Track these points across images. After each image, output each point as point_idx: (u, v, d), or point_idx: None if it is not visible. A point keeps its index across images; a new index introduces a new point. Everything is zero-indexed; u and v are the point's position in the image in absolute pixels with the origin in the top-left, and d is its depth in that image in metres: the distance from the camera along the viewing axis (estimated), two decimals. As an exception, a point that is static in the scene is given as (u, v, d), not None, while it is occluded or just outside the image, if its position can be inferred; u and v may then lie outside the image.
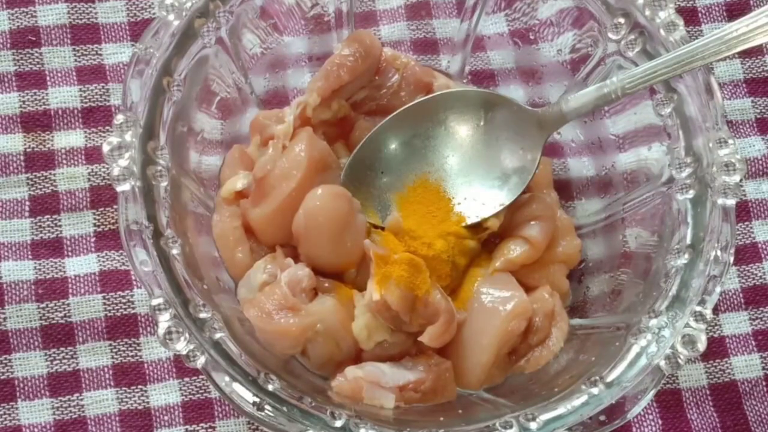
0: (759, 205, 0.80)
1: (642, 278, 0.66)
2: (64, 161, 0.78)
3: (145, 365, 0.74)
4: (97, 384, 0.73)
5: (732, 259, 0.61)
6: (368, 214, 0.70)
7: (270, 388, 0.57)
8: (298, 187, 0.67)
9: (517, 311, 0.66)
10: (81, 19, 0.81)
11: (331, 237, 0.66)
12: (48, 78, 0.79)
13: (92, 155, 0.78)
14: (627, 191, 0.71)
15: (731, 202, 0.61)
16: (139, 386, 0.73)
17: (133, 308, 0.75)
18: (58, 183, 0.77)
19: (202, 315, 0.58)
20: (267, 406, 0.56)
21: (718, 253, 0.61)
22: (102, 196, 0.77)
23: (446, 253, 0.68)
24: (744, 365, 0.77)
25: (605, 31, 0.67)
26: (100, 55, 0.80)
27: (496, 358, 0.66)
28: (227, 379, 0.57)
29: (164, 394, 0.73)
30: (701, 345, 0.59)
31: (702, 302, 0.60)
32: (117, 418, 0.73)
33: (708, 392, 0.76)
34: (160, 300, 0.57)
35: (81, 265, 0.75)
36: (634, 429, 0.75)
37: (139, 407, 0.73)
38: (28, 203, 0.76)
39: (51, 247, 0.76)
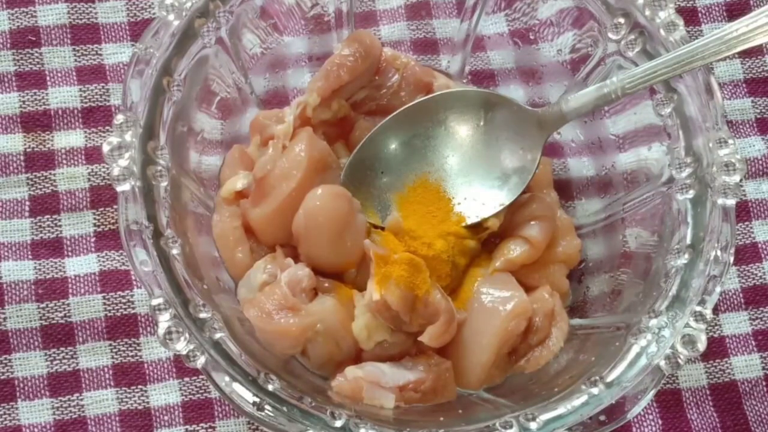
0: (759, 205, 0.80)
1: (642, 278, 0.66)
2: (64, 161, 0.78)
3: (145, 365, 0.74)
4: (97, 384, 0.73)
5: (732, 259, 0.61)
6: (368, 214, 0.70)
7: (270, 388, 0.57)
8: (298, 187, 0.67)
9: (517, 311, 0.66)
10: (81, 19, 0.81)
11: (331, 237, 0.66)
12: (48, 78, 0.79)
13: (92, 155, 0.78)
14: (627, 191, 0.71)
15: (731, 202, 0.61)
16: (139, 386, 0.73)
17: (133, 308, 0.75)
18: (58, 183, 0.77)
19: (202, 315, 0.58)
20: (267, 406, 0.56)
21: (718, 253, 0.61)
22: (102, 196, 0.77)
23: (446, 253, 0.68)
24: (744, 365, 0.77)
25: (605, 31, 0.67)
26: (100, 55, 0.80)
27: (496, 358, 0.66)
28: (227, 379, 0.57)
29: (164, 394, 0.73)
30: (701, 345, 0.59)
31: (702, 302, 0.60)
32: (117, 418, 0.73)
33: (708, 392, 0.76)
34: (160, 300, 0.57)
35: (81, 265, 0.75)
36: (634, 429, 0.75)
37: (139, 407, 0.73)
38: (28, 203, 0.76)
39: (51, 247, 0.76)
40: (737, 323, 0.78)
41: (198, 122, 0.69)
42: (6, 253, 0.75)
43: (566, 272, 0.72)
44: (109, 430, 0.72)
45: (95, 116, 0.79)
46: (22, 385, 0.73)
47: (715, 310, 0.78)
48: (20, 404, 0.72)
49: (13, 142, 0.78)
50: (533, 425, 0.57)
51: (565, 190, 0.77)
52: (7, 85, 0.79)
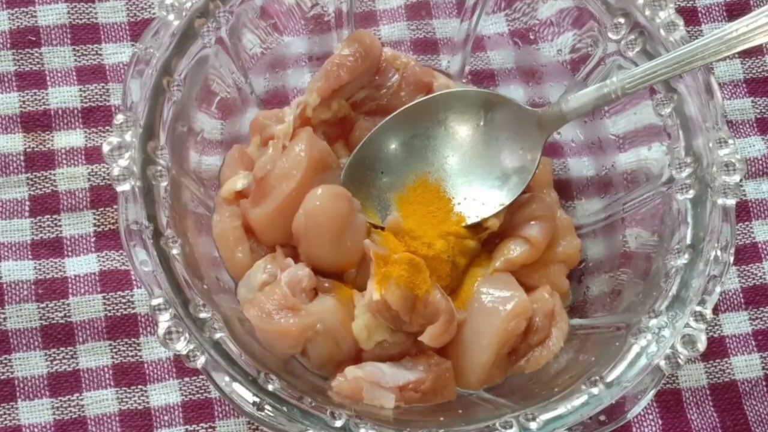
0: (759, 205, 0.80)
1: (642, 278, 0.66)
2: (64, 161, 0.78)
3: (145, 365, 0.74)
4: (97, 384, 0.73)
5: (732, 259, 0.61)
6: (368, 214, 0.70)
7: (270, 388, 0.57)
8: (298, 187, 0.67)
9: (517, 311, 0.66)
10: (81, 19, 0.81)
11: (331, 237, 0.66)
12: (48, 78, 0.79)
13: (92, 155, 0.78)
14: (627, 191, 0.71)
15: (731, 202, 0.61)
16: (139, 386, 0.73)
17: (133, 308, 0.75)
18: (58, 183, 0.77)
19: (202, 315, 0.58)
20: (267, 406, 0.56)
21: (718, 253, 0.61)
22: (102, 196, 0.77)
23: (446, 253, 0.68)
24: (744, 365, 0.77)
25: (605, 31, 0.67)
26: (100, 55, 0.80)
27: (496, 358, 0.66)
28: (227, 379, 0.57)
29: (164, 394, 0.73)
30: (701, 345, 0.59)
31: (702, 302, 0.60)
32: (117, 418, 0.73)
33: (708, 392, 0.76)
34: (160, 300, 0.57)
35: (81, 265, 0.75)
36: (634, 429, 0.75)
37: (139, 407, 0.73)
38: (28, 203, 0.76)
39: (51, 247, 0.76)
40: (737, 323, 0.78)
41: (198, 122, 0.69)
42: (6, 253, 0.75)
43: (566, 272, 0.72)
44: (109, 430, 0.72)
45: (95, 116, 0.79)
46: (22, 385, 0.73)
47: (715, 310, 0.77)
48: (20, 404, 0.72)
49: (13, 142, 0.78)
50: (533, 425, 0.57)
51: (565, 190, 0.77)
52: (7, 85, 0.79)
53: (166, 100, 0.63)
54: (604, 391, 0.58)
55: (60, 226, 0.76)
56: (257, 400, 0.56)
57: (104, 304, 0.74)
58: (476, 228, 0.70)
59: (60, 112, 0.79)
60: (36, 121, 0.78)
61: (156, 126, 0.62)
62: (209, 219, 0.70)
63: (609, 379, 0.59)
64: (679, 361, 0.58)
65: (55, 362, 0.73)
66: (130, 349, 0.74)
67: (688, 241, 0.62)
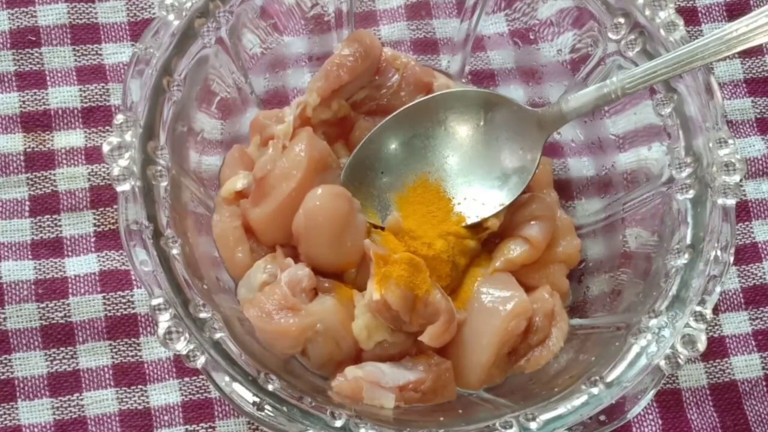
0: (759, 205, 0.80)
1: (642, 278, 0.66)
2: (64, 161, 0.78)
3: (145, 365, 0.74)
4: (97, 384, 0.73)
5: (732, 259, 0.61)
6: (368, 214, 0.70)
7: (270, 388, 0.57)
8: (298, 187, 0.67)
9: (517, 311, 0.66)
10: (81, 19, 0.81)
11: (331, 237, 0.66)
12: (48, 78, 0.79)
13: (92, 155, 0.78)
14: (627, 191, 0.71)
15: (731, 202, 0.61)
16: (139, 386, 0.73)
17: (133, 308, 0.75)
18: (58, 183, 0.77)
19: (202, 315, 0.58)
20: (267, 406, 0.56)
21: (718, 253, 0.61)
22: (102, 196, 0.77)
23: (446, 253, 0.68)
24: (744, 365, 0.77)
25: (605, 31, 0.67)
26: (100, 55, 0.80)
27: (496, 358, 0.66)
28: (227, 379, 0.57)
29: (164, 394, 0.73)
30: (701, 345, 0.59)
31: (702, 302, 0.60)
32: (117, 418, 0.73)
33: (708, 392, 0.76)
34: (160, 300, 0.57)
35: (81, 265, 0.75)
36: (634, 429, 0.75)
37: (139, 407, 0.73)
38: (28, 203, 0.76)
39: (51, 247, 0.76)
40: (737, 323, 0.78)
41: (198, 122, 0.69)
42: (6, 253, 0.75)
43: (566, 272, 0.72)
44: (109, 430, 0.72)
45: (95, 116, 0.79)
46: (22, 385, 0.73)
47: (715, 310, 0.77)
48: (20, 404, 0.72)
49: (13, 142, 0.78)
50: (533, 425, 0.57)
51: (565, 190, 0.77)
52: (7, 85, 0.79)
53: (166, 100, 0.63)
54: (604, 391, 0.58)
55: (60, 226, 0.76)
56: (257, 400, 0.56)
57: (104, 304, 0.74)
58: (476, 228, 0.70)
59: (60, 112, 0.79)
60: (36, 121, 0.78)
61: (156, 126, 0.62)
62: (209, 219, 0.70)
63: (609, 379, 0.59)
64: (679, 361, 0.58)
65: (55, 362, 0.73)
66: (130, 349, 0.74)
67: (688, 241, 0.62)
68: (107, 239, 0.76)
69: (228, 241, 0.69)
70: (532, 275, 0.70)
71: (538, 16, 0.74)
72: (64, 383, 0.73)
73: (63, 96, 0.79)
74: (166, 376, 0.73)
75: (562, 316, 0.69)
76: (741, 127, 0.82)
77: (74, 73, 0.80)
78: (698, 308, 0.60)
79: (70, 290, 0.75)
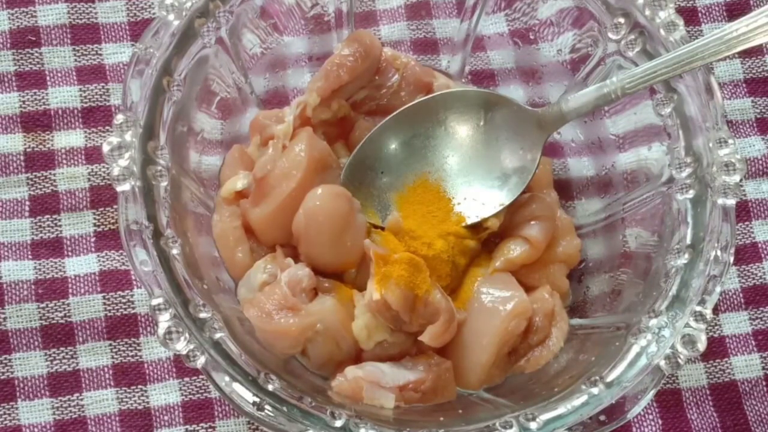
0: (759, 205, 0.80)
1: (642, 278, 0.66)
2: (64, 161, 0.78)
3: (145, 365, 0.74)
4: (97, 384, 0.73)
5: (732, 259, 0.61)
6: (368, 214, 0.70)
7: (270, 388, 0.57)
8: (298, 187, 0.67)
9: (517, 311, 0.66)
10: (81, 19, 0.81)
11: (331, 237, 0.66)
12: (48, 78, 0.79)
13: (92, 155, 0.78)
14: (627, 191, 0.71)
15: (731, 202, 0.61)
16: (139, 386, 0.73)
17: (133, 308, 0.75)
18: (58, 183, 0.77)
19: (202, 315, 0.58)
20: (267, 406, 0.56)
21: (718, 253, 0.61)
22: (102, 196, 0.77)
23: (446, 253, 0.68)
24: (744, 365, 0.77)
25: (605, 31, 0.67)
26: (100, 55, 0.80)
27: (496, 358, 0.66)
28: (227, 379, 0.57)
29: (164, 394, 0.73)
30: (701, 345, 0.59)
31: (702, 302, 0.60)
32: (117, 418, 0.73)
33: (708, 392, 0.76)
34: (160, 300, 0.57)
35: (81, 265, 0.75)
36: (634, 429, 0.75)
37: (139, 407, 0.73)
38: (28, 203, 0.76)
39: (51, 247, 0.76)
40: (737, 323, 0.78)
41: (198, 122, 0.69)
42: (6, 253, 0.75)
43: (566, 272, 0.72)
44: (109, 430, 0.72)
45: (95, 116, 0.79)
46: (22, 385, 0.73)
47: (715, 310, 0.77)
48: (20, 404, 0.72)
49: (13, 142, 0.78)
50: (533, 425, 0.57)
51: (565, 190, 0.77)
52: (7, 85, 0.79)
53: (166, 100, 0.63)
54: (604, 391, 0.58)
55: (60, 226, 0.76)
56: (257, 400, 0.56)
57: (104, 304, 0.74)
58: (476, 228, 0.70)
59: (60, 112, 0.79)
60: (36, 121, 0.78)
61: (156, 126, 0.62)
62: (209, 219, 0.70)
63: (609, 379, 0.59)
64: (679, 361, 0.58)
65: (55, 362, 0.73)
66: (130, 349, 0.74)
67: (688, 241, 0.62)
68: (107, 239, 0.76)
69: (228, 241, 0.69)
70: (532, 275, 0.70)
71: (538, 16, 0.74)
72: (64, 383, 0.73)
73: (63, 96, 0.79)
74: (166, 376, 0.73)
75: (562, 316, 0.69)
76: (741, 127, 0.82)
77: (74, 73, 0.80)
78: (698, 308, 0.60)
79: (70, 290, 0.75)
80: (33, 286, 0.74)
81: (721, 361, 0.77)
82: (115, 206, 0.77)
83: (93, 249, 0.76)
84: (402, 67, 0.73)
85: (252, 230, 0.69)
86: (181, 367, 0.74)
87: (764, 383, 0.76)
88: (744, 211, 0.80)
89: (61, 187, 0.77)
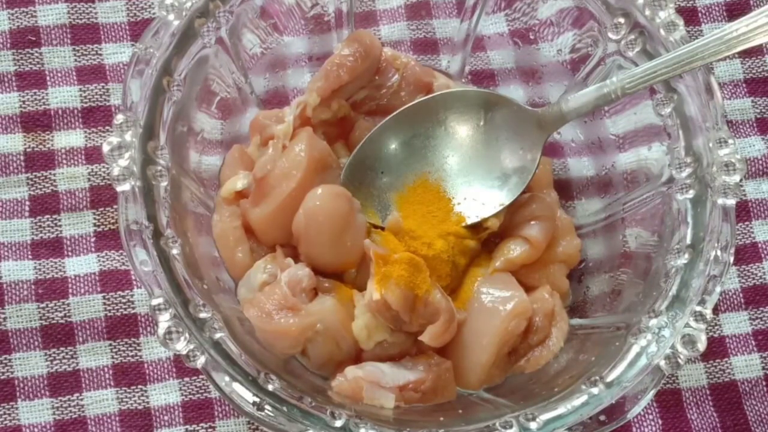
0: (759, 205, 0.80)
1: (642, 278, 0.66)
2: (64, 161, 0.78)
3: (145, 365, 0.74)
4: (97, 384, 0.73)
5: (732, 259, 0.61)
6: (368, 214, 0.70)
7: (270, 388, 0.57)
8: (298, 187, 0.67)
9: (517, 311, 0.66)
10: (81, 19, 0.81)
11: (331, 237, 0.66)
12: (48, 78, 0.79)
13: (92, 155, 0.78)
14: (627, 191, 0.71)
15: (731, 202, 0.61)
16: (139, 386, 0.73)
17: (133, 308, 0.75)
18: (58, 183, 0.77)
19: (202, 315, 0.58)
20: (267, 406, 0.56)
21: (718, 253, 0.61)
22: (102, 196, 0.77)
23: (446, 253, 0.68)
24: (744, 365, 0.77)
25: (605, 31, 0.67)
26: (100, 55, 0.80)
27: (496, 358, 0.66)
28: (227, 379, 0.57)
29: (164, 394, 0.73)
30: (701, 345, 0.59)
31: (702, 302, 0.60)
32: (117, 418, 0.73)
33: (708, 392, 0.76)
34: (160, 300, 0.57)
35: (81, 265, 0.75)
36: (634, 429, 0.75)
37: (139, 407, 0.73)
38: (28, 203, 0.76)
39: (51, 247, 0.76)
40: (737, 323, 0.78)
41: (198, 122, 0.69)
42: (6, 253, 0.75)
43: (566, 272, 0.72)
44: (109, 430, 0.72)
45: (95, 116, 0.79)
46: (22, 385, 0.73)
47: (715, 310, 0.77)
48: (20, 404, 0.72)
49: (13, 142, 0.78)
50: (533, 425, 0.57)
51: (565, 190, 0.77)
52: (7, 85, 0.79)
53: (166, 100, 0.63)
54: (604, 391, 0.58)
55: (60, 226, 0.76)
56: (257, 400, 0.56)
57: (104, 304, 0.74)
58: (476, 228, 0.70)
59: (60, 112, 0.79)
60: (36, 121, 0.78)
61: (156, 126, 0.62)
62: (209, 219, 0.70)
63: (609, 379, 0.59)
64: (679, 361, 0.58)
65: (55, 362, 0.73)
66: (130, 349, 0.74)
67: (688, 241, 0.62)
68: (107, 239, 0.76)
69: (228, 241, 0.69)
70: (532, 275, 0.70)
71: (538, 16, 0.74)
72: (64, 383, 0.73)
73: (63, 96, 0.79)
74: (166, 376, 0.73)
75: (562, 316, 0.69)
76: (741, 127, 0.82)
77: (74, 73, 0.80)
78: (698, 308, 0.60)
79: (70, 290, 0.75)
80: (33, 286, 0.74)
81: (721, 361, 0.77)
82: (115, 206, 0.77)
83: (93, 249, 0.76)
84: (402, 67, 0.73)
85: (252, 230, 0.69)
86: (181, 367, 0.74)
87: (764, 383, 0.76)
88: (744, 211, 0.80)
89: (61, 187, 0.77)
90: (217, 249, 0.69)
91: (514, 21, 0.77)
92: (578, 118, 0.70)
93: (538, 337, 0.68)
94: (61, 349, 0.74)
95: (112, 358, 0.74)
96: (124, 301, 0.75)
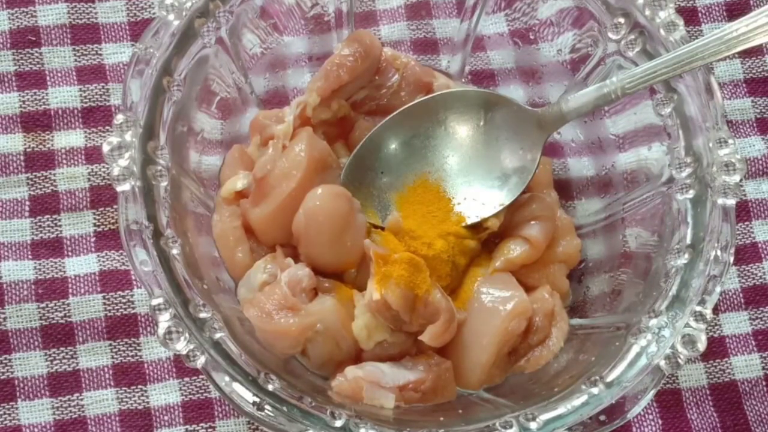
0: (759, 205, 0.80)
1: (642, 278, 0.66)
2: (64, 161, 0.78)
3: (145, 365, 0.74)
4: (97, 384, 0.73)
5: (732, 259, 0.61)
6: (368, 214, 0.70)
7: (270, 388, 0.57)
8: (298, 187, 0.67)
9: (517, 311, 0.66)
10: (81, 19, 0.81)
11: (331, 237, 0.66)
12: (48, 78, 0.79)
13: (92, 155, 0.78)
14: (627, 191, 0.71)
15: (731, 202, 0.61)
16: (139, 386, 0.73)
17: (133, 308, 0.75)
18: (58, 183, 0.77)
19: (202, 315, 0.58)
20: (267, 406, 0.56)
21: (718, 253, 0.61)
22: (102, 196, 0.77)
23: (446, 253, 0.68)
24: (744, 365, 0.77)
25: (605, 31, 0.67)
26: (100, 55, 0.80)
27: (496, 358, 0.66)
28: (227, 379, 0.57)
29: (164, 394, 0.73)
30: (701, 345, 0.59)
31: (702, 302, 0.60)
32: (117, 418, 0.73)
33: (708, 392, 0.76)
34: (160, 300, 0.57)
35: (81, 265, 0.75)
36: (634, 429, 0.75)
37: (139, 407, 0.73)
38: (28, 203, 0.76)
39: (51, 247, 0.76)
40: (737, 323, 0.78)
41: (198, 122, 0.69)
42: (6, 253, 0.75)
43: (566, 272, 0.72)
44: (109, 430, 0.72)
45: (95, 116, 0.79)
46: (22, 385, 0.73)
47: (715, 310, 0.77)
48: (20, 404, 0.72)
49: (13, 142, 0.78)
50: (533, 425, 0.57)
51: (565, 190, 0.77)
52: (7, 85, 0.79)
53: (166, 100, 0.63)
54: (604, 391, 0.58)
55: (60, 226, 0.76)
56: (257, 400, 0.56)
57: (104, 304, 0.74)
58: (476, 228, 0.70)
59: (60, 112, 0.79)
60: (36, 121, 0.78)
61: (156, 126, 0.62)
62: (209, 219, 0.70)
63: (609, 379, 0.59)
64: (679, 361, 0.58)
65: (55, 362, 0.73)
66: (130, 349, 0.74)
67: (688, 241, 0.62)
68: (107, 239, 0.76)
69: (228, 241, 0.69)
70: (532, 275, 0.70)
71: (538, 16, 0.74)
72: (64, 383, 0.73)
73: (63, 96, 0.79)
74: (166, 376, 0.73)
75: (562, 316, 0.69)
76: (741, 127, 0.82)
77: (74, 73, 0.80)
78: (698, 308, 0.60)
79: (70, 290, 0.75)
80: (33, 286, 0.74)
81: (721, 361, 0.77)
82: (115, 206, 0.77)
83: (93, 249, 0.76)
84: (402, 67, 0.73)
85: (252, 230, 0.69)
86: (181, 367, 0.74)
87: (764, 383, 0.76)
88: (744, 211, 0.80)
89: (61, 187, 0.77)
90: (217, 249, 0.69)
91: (514, 21, 0.77)
92: (578, 118, 0.70)
93: (538, 337, 0.68)
94: (61, 349, 0.74)
95: (112, 358, 0.74)
96: (124, 301, 0.75)
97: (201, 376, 0.73)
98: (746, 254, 0.79)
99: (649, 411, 0.75)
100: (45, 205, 0.77)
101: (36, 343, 0.73)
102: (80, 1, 0.81)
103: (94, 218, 0.77)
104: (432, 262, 0.67)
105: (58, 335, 0.74)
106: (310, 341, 0.65)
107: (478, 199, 0.70)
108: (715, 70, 0.83)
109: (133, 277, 0.75)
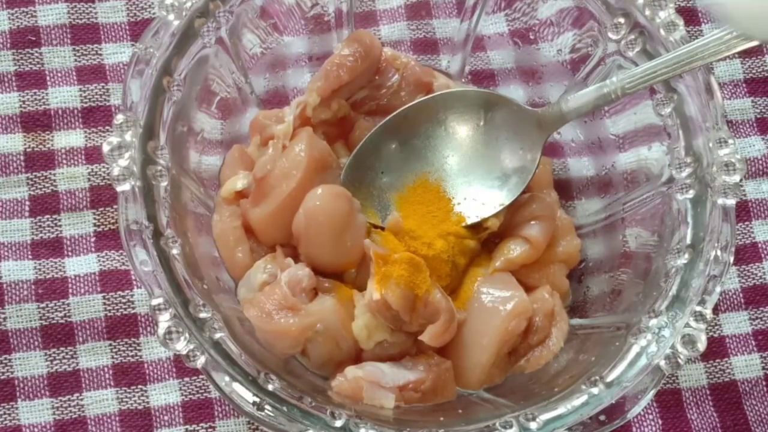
0: (759, 205, 0.80)
1: (642, 278, 0.66)
2: (64, 161, 0.78)
3: (145, 365, 0.74)
4: (97, 384, 0.73)
5: (732, 259, 0.61)
6: (368, 214, 0.70)
7: (270, 388, 0.57)
8: (298, 187, 0.67)
9: (517, 311, 0.66)
10: (81, 19, 0.81)
11: (331, 237, 0.66)
12: (48, 78, 0.79)
13: (92, 155, 0.78)
14: (627, 191, 0.71)
15: (731, 202, 0.61)
16: (139, 386, 0.73)
17: (133, 308, 0.75)
18: (58, 183, 0.77)
19: (202, 315, 0.58)
20: (267, 406, 0.56)
21: (718, 253, 0.61)
22: (102, 196, 0.77)
23: (446, 253, 0.68)
24: (744, 365, 0.77)
25: (605, 31, 0.67)
26: (100, 55, 0.80)
27: (496, 358, 0.66)
28: (227, 379, 0.57)
29: (164, 394, 0.73)
30: (701, 345, 0.59)
31: (702, 302, 0.60)
32: (117, 418, 0.73)
33: (708, 392, 0.76)
34: (160, 300, 0.57)
35: (81, 265, 0.75)
36: (634, 429, 0.75)
37: (139, 407, 0.73)
38: (28, 203, 0.76)
39: (51, 247, 0.76)
40: (737, 323, 0.78)
41: (198, 122, 0.69)
42: (6, 253, 0.75)
43: (566, 272, 0.72)
44: (109, 430, 0.72)
45: (95, 116, 0.79)
46: (22, 385, 0.73)
47: (715, 310, 0.78)
48: (20, 404, 0.72)
49: (13, 142, 0.78)
50: (533, 425, 0.57)
51: (565, 190, 0.77)
52: (7, 85, 0.79)
53: (166, 100, 0.63)
54: (604, 391, 0.58)
55: (60, 226, 0.76)
56: (257, 400, 0.56)
57: (104, 304, 0.74)
58: (476, 228, 0.70)
59: (60, 112, 0.79)
60: (36, 121, 0.78)
61: (156, 126, 0.62)
62: (209, 219, 0.70)
63: (609, 379, 0.59)
64: (679, 361, 0.58)
65: (55, 362, 0.73)
66: (130, 349, 0.74)
67: (688, 241, 0.62)
68: (107, 239, 0.76)
69: (228, 241, 0.69)
70: (532, 275, 0.70)
71: (538, 16, 0.74)
72: (64, 383, 0.73)
73: (63, 96, 0.79)
74: (166, 376, 0.73)
75: (562, 316, 0.69)
76: (741, 127, 0.82)
77: (74, 73, 0.80)
78: (698, 308, 0.60)
79: (70, 290, 0.75)
80: (33, 286, 0.74)
81: (721, 361, 0.77)
82: (115, 206, 0.77)
83: (93, 249, 0.76)
84: (402, 67, 0.73)
85: (252, 230, 0.69)
86: (181, 367, 0.74)
87: (764, 383, 0.76)
88: (744, 211, 0.80)
89: (61, 187, 0.77)
90: (217, 249, 0.69)
91: (514, 21, 0.77)
92: (578, 118, 0.70)
93: (538, 337, 0.68)
94: (61, 349, 0.74)
95: (112, 358, 0.74)
96: (124, 301, 0.75)
97: (201, 376, 0.73)
98: (746, 254, 0.79)
99: (649, 411, 0.75)
100: (45, 205, 0.77)
101: (36, 343, 0.73)
102: (80, 1, 0.81)
103: (94, 218, 0.77)
104: (432, 262, 0.67)
105: (58, 335, 0.74)
106: (310, 341, 0.65)
107: (478, 199, 0.70)
108: (715, 70, 0.83)
109: (133, 277, 0.75)
